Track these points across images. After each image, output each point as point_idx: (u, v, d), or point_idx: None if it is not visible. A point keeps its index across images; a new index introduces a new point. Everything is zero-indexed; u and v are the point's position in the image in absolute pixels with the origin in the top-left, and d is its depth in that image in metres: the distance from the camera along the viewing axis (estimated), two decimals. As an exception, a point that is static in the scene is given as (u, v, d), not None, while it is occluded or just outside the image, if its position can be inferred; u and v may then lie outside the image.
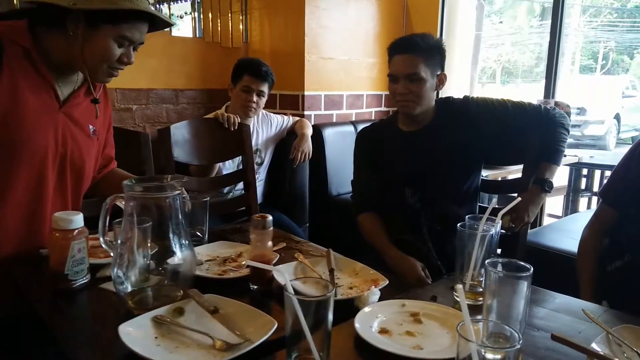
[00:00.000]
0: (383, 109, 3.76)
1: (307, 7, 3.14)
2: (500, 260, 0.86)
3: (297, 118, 2.89)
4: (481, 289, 1.09)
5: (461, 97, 1.84)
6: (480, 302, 1.06)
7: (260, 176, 2.66)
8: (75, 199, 1.43)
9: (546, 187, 1.69)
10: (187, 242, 1.02)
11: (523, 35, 15.15)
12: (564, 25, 3.19)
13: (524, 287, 0.81)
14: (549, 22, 3.21)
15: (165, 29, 3.08)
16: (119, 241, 0.99)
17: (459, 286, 0.62)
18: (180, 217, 1.01)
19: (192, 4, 4.16)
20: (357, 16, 3.45)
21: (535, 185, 1.70)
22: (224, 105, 2.57)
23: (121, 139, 1.72)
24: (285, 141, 2.79)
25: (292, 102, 3.28)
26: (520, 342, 0.60)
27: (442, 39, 1.83)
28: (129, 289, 1.00)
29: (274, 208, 2.67)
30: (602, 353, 0.81)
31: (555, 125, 1.72)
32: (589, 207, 3.93)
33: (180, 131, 2.05)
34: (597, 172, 3.81)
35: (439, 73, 1.74)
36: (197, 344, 0.87)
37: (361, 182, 1.90)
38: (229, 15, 3.54)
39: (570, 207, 3.64)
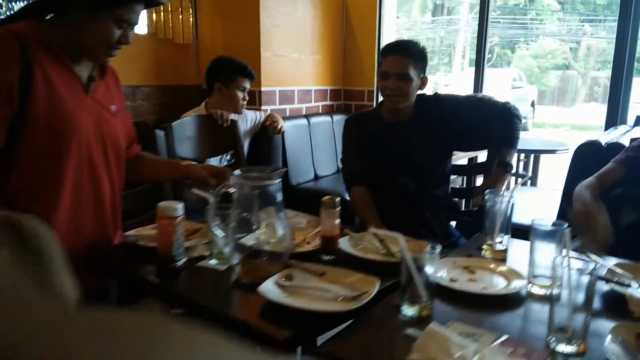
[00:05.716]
0: (328, 102, 4.03)
1: (261, 5, 3.31)
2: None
3: (269, 113, 3.08)
4: (499, 247, 1.41)
5: (432, 94, 2.17)
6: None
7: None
8: (119, 177, 1.52)
9: (508, 168, 2.06)
10: (284, 223, 1.22)
11: (417, 30, 16.17)
12: (489, 20, 3.62)
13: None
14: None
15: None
16: (231, 224, 1.17)
17: (567, 230, 0.90)
18: (279, 201, 1.21)
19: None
20: (303, 15, 3.68)
21: (499, 167, 2.07)
22: (202, 102, 2.70)
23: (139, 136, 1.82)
24: (258, 137, 2.97)
25: (249, 98, 3.43)
26: (599, 268, 0.89)
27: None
28: (236, 262, 1.19)
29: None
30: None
31: (511, 116, 2.10)
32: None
33: (181, 128, 2.18)
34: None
35: (422, 76, 2.04)
36: (324, 299, 1.08)
37: (351, 160, 2.14)
38: (179, 10, 3.60)
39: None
